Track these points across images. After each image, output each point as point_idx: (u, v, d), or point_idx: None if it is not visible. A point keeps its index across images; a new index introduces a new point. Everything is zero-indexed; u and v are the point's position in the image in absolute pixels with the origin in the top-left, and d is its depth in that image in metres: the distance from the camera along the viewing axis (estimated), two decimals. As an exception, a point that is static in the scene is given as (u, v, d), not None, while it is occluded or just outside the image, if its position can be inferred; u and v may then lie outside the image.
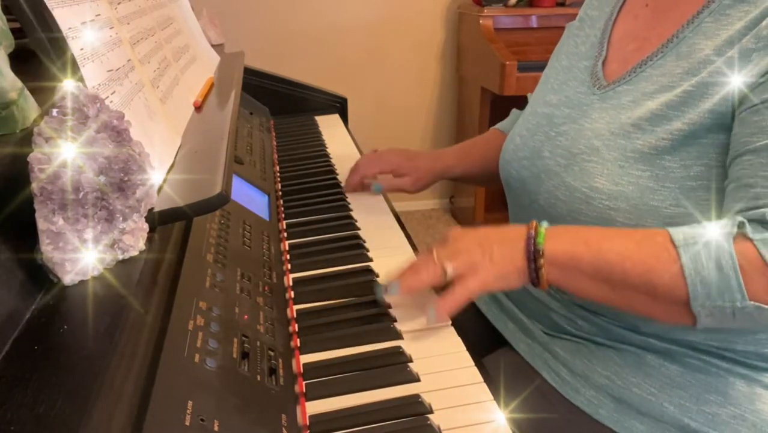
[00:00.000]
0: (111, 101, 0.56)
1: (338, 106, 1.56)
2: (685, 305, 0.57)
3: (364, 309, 0.68)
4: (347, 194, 1.02)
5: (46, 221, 0.44)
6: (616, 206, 0.64)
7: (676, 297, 0.57)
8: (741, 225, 0.56)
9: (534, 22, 2.31)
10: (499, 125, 1.05)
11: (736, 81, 0.60)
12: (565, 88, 0.79)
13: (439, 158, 1.03)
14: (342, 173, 1.11)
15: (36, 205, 0.44)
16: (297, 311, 0.68)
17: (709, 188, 0.61)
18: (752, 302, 0.54)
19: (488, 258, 0.64)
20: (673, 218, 0.62)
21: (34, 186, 0.44)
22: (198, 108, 0.89)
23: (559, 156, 0.72)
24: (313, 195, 1.01)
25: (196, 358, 0.47)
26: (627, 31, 0.76)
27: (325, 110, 1.55)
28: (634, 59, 0.72)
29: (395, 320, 0.66)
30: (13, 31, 0.55)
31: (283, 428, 0.48)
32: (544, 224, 0.64)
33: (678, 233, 0.58)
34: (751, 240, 0.55)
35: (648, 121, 0.65)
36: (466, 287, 0.63)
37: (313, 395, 0.55)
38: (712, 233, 0.56)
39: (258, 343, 0.56)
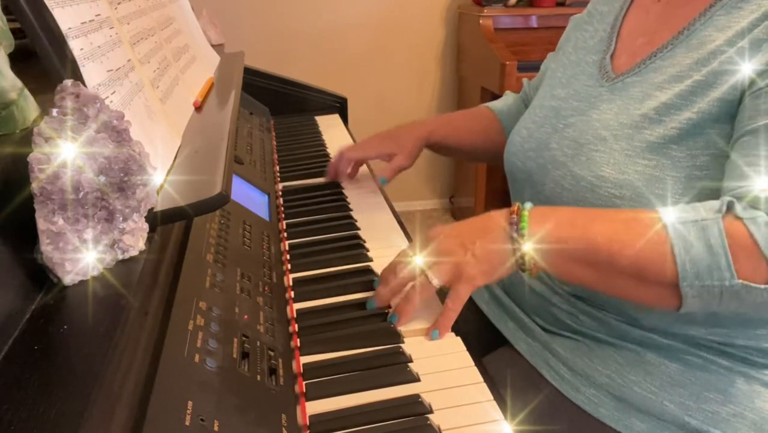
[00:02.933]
0: (111, 101, 0.56)
1: (338, 106, 1.56)
2: (673, 285, 0.56)
3: (364, 309, 0.68)
4: (345, 191, 1.02)
5: (46, 221, 0.44)
6: (621, 195, 0.64)
7: (665, 277, 0.56)
8: (730, 204, 0.56)
9: (534, 22, 2.31)
10: (489, 103, 1.06)
11: (746, 70, 0.60)
12: (573, 81, 0.79)
13: (421, 125, 1.04)
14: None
15: (36, 205, 0.44)
16: (297, 310, 0.68)
17: (714, 178, 0.61)
18: (740, 281, 0.54)
19: (471, 255, 0.63)
20: None
21: (34, 186, 0.44)
22: (198, 108, 0.89)
23: (566, 147, 0.73)
24: (313, 195, 1.01)
25: (196, 358, 0.47)
26: (637, 26, 0.76)
27: (325, 110, 1.55)
28: (643, 52, 0.72)
29: (395, 320, 0.66)
30: (13, 31, 0.55)
31: (283, 428, 0.48)
32: (527, 206, 0.63)
33: (667, 212, 0.57)
34: (740, 219, 0.55)
35: (657, 111, 0.65)
36: (458, 296, 0.63)
37: (313, 395, 0.55)
38: (702, 213, 0.56)
39: (258, 343, 0.56)
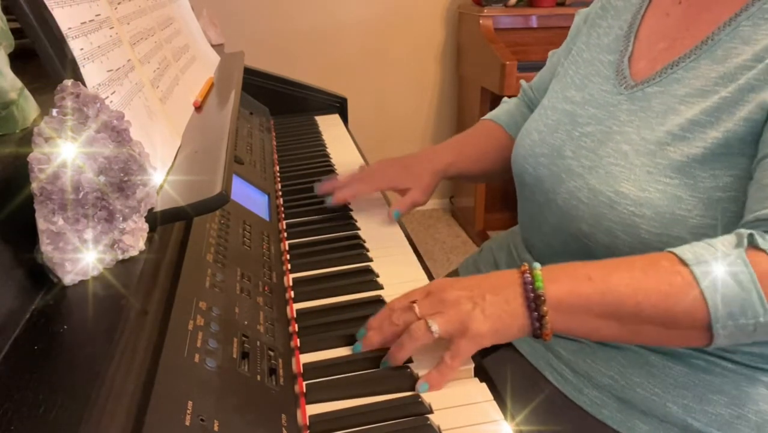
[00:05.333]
0: (111, 101, 0.56)
1: (338, 106, 1.56)
2: (704, 328, 0.54)
3: (364, 309, 0.68)
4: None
5: (46, 221, 0.44)
6: (641, 213, 0.62)
7: (696, 321, 0.54)
8: (750, 237, 0.54)
9: (534, 22, 2.31)
10: (492, 117, 1.00)
11: None
12: (588, 84, 0.76)
13: (437, 157, 0.96)
14: (342, 174, 1.11)
15: (36, 206, 0.44)
16: (297, 310, 0.68)
17: (737, 200, 0.59)
18: None
19: (480, 310, 0.56)
20: (699, 228, 0.60)
21: (34, 186, 0.44)
22: (198, 108, 0.89)
23: (583, 157, 0.70)
24: (313, 195, 1.00)
25: (196, 358, 0.47)
26: (656, 29, 0.73)
27: (325, 110, 1.55)
28: (663, 59, 0.69)
29: (395, 320, 0.66)
30: (13, 31, 0.55)
31: (283, 428, 0.48)
32: (537, 266, 0.58)
33: (686, 252, 0.55)
34: (763, 250, 0.53)
35: (681, 127, 0.63)
36: (458, 352, 0.56)
37: (313, 396, 0.55)
38: (723, 250, 0.54)
39: (258, 343, 0.56)
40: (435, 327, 0.56)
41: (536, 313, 0.56)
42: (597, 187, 0.66)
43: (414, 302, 0.59)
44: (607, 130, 0.70)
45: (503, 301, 0.57)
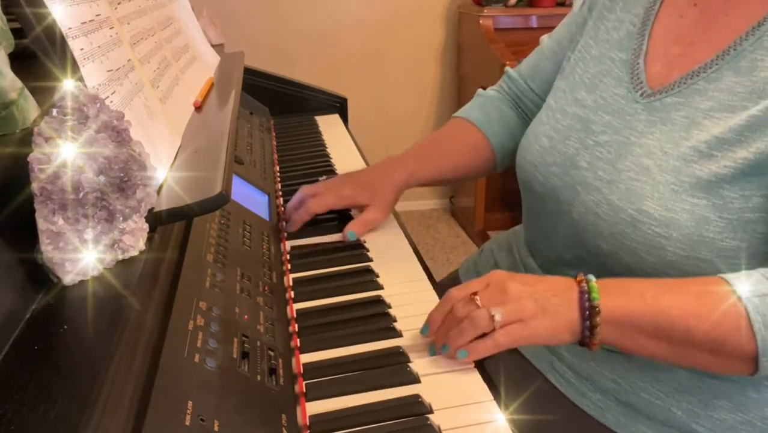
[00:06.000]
0: (111, 101, 0.56)
1: (338, 106, 1.56)
2: (751, 360, 0.54)
3: (364, 309, 0.68)
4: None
5: (46, 221, 0.44)
6: (667, 234, 0.59)
7: (743, 353, 0.54)
8: None
9: (534, 22, 2.31)
10: (465, 114, 0.95)
11: None
12: (599, 85, 0.72)
13: (398, 166, 0.89)
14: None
15: (36, 205, 0.44)
16: (297, 310, 0.68)
17: (766, 221, 0.58)
18: None
19: (541, 309, 0.57)
20: (728, 251, 0.58)
21: (34, 186, 0.44)
22: (198, 108, 0.89)
23: (599, 169, 0.66)
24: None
25: (196, 358, 0.47)
26: (670, 30, 0.69)
27: (325, 110, 1.55)
28: (681, 65, 0.66)
29: (395, 320, 0.66)
30: (13, 31, 0.55)
31: (283, 428, 0.48)
32: (592, 278, 0.58)
33: (739, 282, 0.54)
34: None
35: (708, 144, 0.59)
36: (510, 335, 0.57)
37: (313, 395, 0.55)
38: None
39: (258, 343, 0.56)
40: (498, 316, 0.57)
41: (588, 322, 0.56)
42: (617, 204, 0.63)
43: (475, 293, 0.59)
44: (625, 141, 0.66)
45: (562, 304, 0.58)
